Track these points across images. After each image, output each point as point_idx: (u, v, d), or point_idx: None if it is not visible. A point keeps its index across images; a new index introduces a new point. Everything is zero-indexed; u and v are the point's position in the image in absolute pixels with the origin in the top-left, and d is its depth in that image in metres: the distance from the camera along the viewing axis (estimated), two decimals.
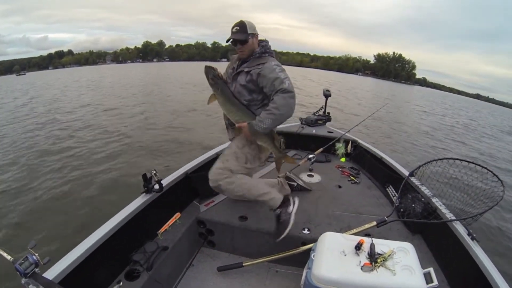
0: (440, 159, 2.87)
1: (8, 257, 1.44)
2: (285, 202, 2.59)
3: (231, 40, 2.40)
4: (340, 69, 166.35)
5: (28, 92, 26.06)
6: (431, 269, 1.68)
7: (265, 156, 2.72)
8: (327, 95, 5.47)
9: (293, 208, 2.56)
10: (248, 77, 2.39)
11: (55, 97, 21.36)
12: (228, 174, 2.45)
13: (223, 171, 2.45)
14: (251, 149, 2.54)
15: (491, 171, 2.44)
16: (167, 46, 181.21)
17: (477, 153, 12.34)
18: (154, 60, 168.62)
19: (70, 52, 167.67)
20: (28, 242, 1.47)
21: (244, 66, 2.45)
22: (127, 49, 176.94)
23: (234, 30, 2.37)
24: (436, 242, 2.48)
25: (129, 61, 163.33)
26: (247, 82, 2.40)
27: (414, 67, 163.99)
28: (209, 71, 2.30)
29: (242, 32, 2.36)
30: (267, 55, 2.45)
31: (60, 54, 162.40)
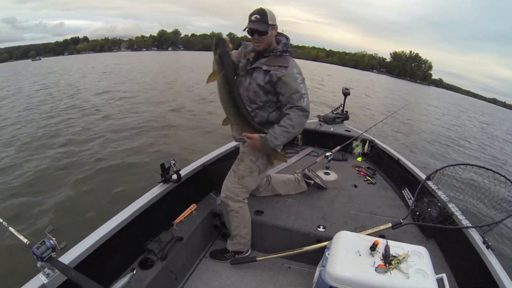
0: (458, 164, 2.85)
1: (25, 240, 1.48)
2: (243, 253, 2.67)
3: (249, 26, 2.12)
4: (355, 66, 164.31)
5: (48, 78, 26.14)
6: (444, 275, 1.70)
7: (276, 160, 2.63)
8: (346, 93, 5.44)
9: (243, 255, 2.66)
10: (267, 77, 2.19)
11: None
12: (242, 196, 2.47)
13: (240, 190, 2.45)
14: (264, 159, 2.47)
15: (510, 180, 2.43)
16: (182, 35, 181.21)
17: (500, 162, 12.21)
18: (169, 49, 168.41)
19: (85, 38, 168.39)
20: (46, 226, 1.50)
21: (262, 62, 2.22)
22: (143, 37, 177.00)
23: (253, 18, 2.11)
24: (451, 248, 2.47)
25: (144, 49, 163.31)
26: (266, 83, 2.20)
27: (430, 67, 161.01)
28: (219, 45, 2.03)
29: (262, 22, 2.10)
30: (287, 54, 2.25)
31: (75, 41, 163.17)
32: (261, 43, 2.17)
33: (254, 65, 2.25)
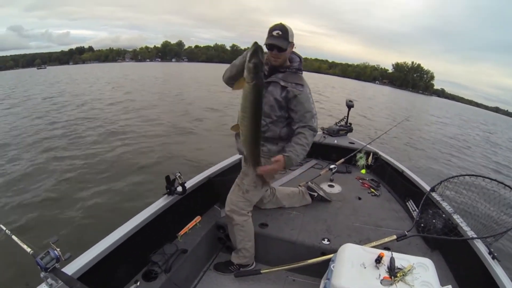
0: (463, 175, 2.84)
1: (29, 250, 1.49)
2: (246, 266, 2.66)
3: (270, 41, 2.11)
4: (358, 77, 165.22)
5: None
6: (449, 287, 1.69)
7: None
8: (350, 105, 5.48)
9: (248, 268, 2.66)
10: (284, 93, 2.21)
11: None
12: (246, 209, 2.49)
13: (244, 203, 2.47)
14: None
15: None
16: (186, 46, 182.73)
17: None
18: (173, 60, 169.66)
19: (90, 48, 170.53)
20: (50, 236, 1.52)
21: (279, 77, 2.24)
22: (147, 48, 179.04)
23: (275, 34, 2.10)
24: (456, 260, 2.46)
25: (148, 60, 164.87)
26: (283, 98, 2.23)
27: (432, 77, 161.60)
28: (257, 53, 1.81)
29: (283, 39, 2.12)
30: (301, 72, 2.33)
31: (80, 50, 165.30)
32: (279, 59, 2.20)
33: (270, 79, 2.27)
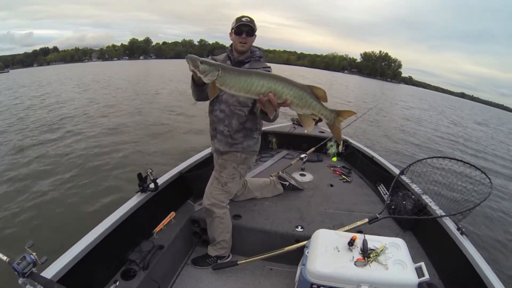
0: (430, 158, 2.94)
1: (4, 258, 1.44)
2: (223, 258, 2.68)
3: (240, 25, 2.23)
4: (326, 67, 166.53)
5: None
6: (422, 264, 1.72)
7: (252, 162, 2.71)
8: None
9: (225, 259, 2.67)
10: None
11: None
12: (225, 201, 2.53)
13: (224, 196, 2.51)
14: (245, 164, 2.58)
15: (479, 169, 2.52)
16: (154, 43, 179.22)
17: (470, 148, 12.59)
18: (141, 57, 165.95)
19: (55, 49, 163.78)
20: (25, 241, 1.48)
21: (246, 67, 2.31)
22: (114, 46, 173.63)
23: (244, 20, 2.24)
24: (427, 238, 2.54)
25: (115, 59, 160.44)
26: None
27: (400, 65, 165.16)
28: (193, 57, 1.64)
29: (253, 25, 2.27)
30: (262, 59, 2.44)
31: (45, 51, 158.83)
32: (246, 44, 2.31)
33: None
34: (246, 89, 1.66)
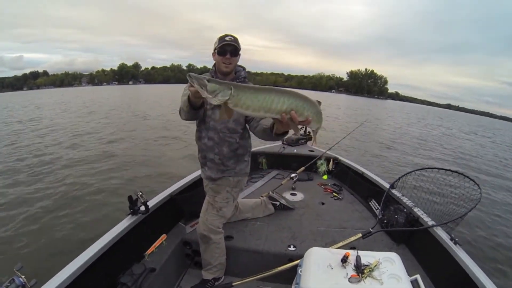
0: (419, 169, 2.96)
1: None
2: (219, 279, 2.63)
3: (223, 45, 2.16)
4: (314, 88, 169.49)
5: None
6: (417, 276, 1.71)
7: (244, 184, 2.68)
8: None
9: (220, 281, 2.63)
10: None
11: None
12: (221, 226, 2.50)
13: (219, 221, 2.48)
14: (238, 187, 2.55)
15: (467, 176, 2.55)
16: (142, 68, 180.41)
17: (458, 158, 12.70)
18: (130, 82, 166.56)
19: (45, 73, 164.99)
20: (14, 263, 1.45)
21: None
22: (103, 71, 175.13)
23: (227, 39, 2.16)
24: (421, 250, 2.53)
25: (105, 83, 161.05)
26: None
27: (386, 82, 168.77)
28: (199, 78, 1.40)
29: (237, 43, 2.20)
30: (247, 80, 2.38)
31: (35, 75, 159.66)
32: (230, 64, 2.23)
33: None
34: (266, 107, 1.42)
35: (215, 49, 2.23)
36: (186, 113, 2.05)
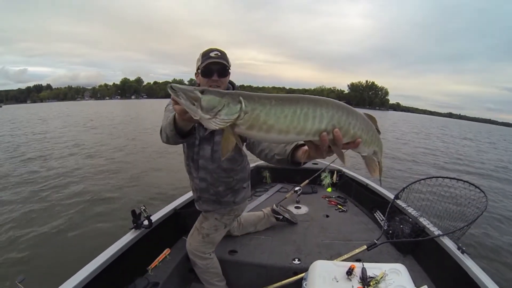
0: (423, 179, 2.93)
1: None
2: None
3: (208, 64, 1.77)
4: None
5: None
6: (425, 287, 1.69)
7: (242, 210, 2.48)
8: None
9: None
10: None
11: None
12: (208, 251, 2.36)
13: (205, 247, 2.34)
14: (229, 216, 2.35)
15: (473, 184, 2.52)
16: (145, 83, 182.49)
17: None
18: (132, 97, 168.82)
19: (48, 86, 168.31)
20: (16, 275, 1.44)
21: None
22: (106, 85, 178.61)
23: (213, 55, 1.76)
24: (428, 260, 2.50)
25: (107, 98, 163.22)
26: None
27: (387, 93, 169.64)
28: (186, 89, 0.88)
29: (226, 60, 1.80)
30: None
31: (38, 88, 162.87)
32: (219, 87, 1.79)
33: None
34: (298, 127, 0.90)
35: (198, 69, 1.86)
36: (169, 137, 1.48)
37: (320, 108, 0.92)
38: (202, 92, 0.86)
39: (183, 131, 1.35)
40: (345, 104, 0.99)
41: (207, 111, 0.84)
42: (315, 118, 0.90)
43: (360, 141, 1.00)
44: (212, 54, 1.76)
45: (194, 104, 0.85)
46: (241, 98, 0.85)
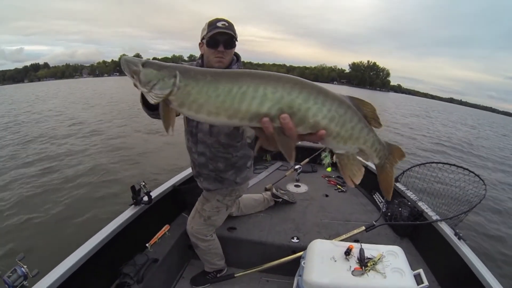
0: (424, 164, 2.94)
1: None
2: (221, 271, 2.60)
3: (214, 34, 1.68)
4: (316, 79, 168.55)
5: None
6: (421, 270, 1.71)
7: (244, 190, 2.40)
8: None
9: (222, 273, 2.58)
10: None
11: None
12: (209, 233, 2.35)
13: (206, 229, 2.31)
14: (231, 197, 2.29)
15: (472, 172, 2.53)
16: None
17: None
18: None
19: (46, 65, 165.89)
20: (16, 253, 1.45)
21: None
22: (104, 62, 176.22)
23: (220, 25, 1.67)
24: (424, 244, 2.53)
25: (106, 75, 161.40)
26: None
27: (388, 74, 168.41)
28: (131, 61, 0.84)
29: (233, 31, 1.71)
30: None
31: (35, 67, 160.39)
32: (224, 59, 1.75)
33: None
34: (229, 109, 0.79)
35: (203, 38, 1.77)
36: (147, 113, 1.47)
37: (264, 87, 0.78)
38: (143, 64, 0.82)
39: (151, 105, 1.15)
40: (311, 82, 0.82)
41: (144, 84, 0.81)
42: (254, 99, 0.77)
43: (324, 134, 0.83)
44: (219, 24, 1.67)
45: (134, 77, 0.83)
46: (177, 72, 0.80)
